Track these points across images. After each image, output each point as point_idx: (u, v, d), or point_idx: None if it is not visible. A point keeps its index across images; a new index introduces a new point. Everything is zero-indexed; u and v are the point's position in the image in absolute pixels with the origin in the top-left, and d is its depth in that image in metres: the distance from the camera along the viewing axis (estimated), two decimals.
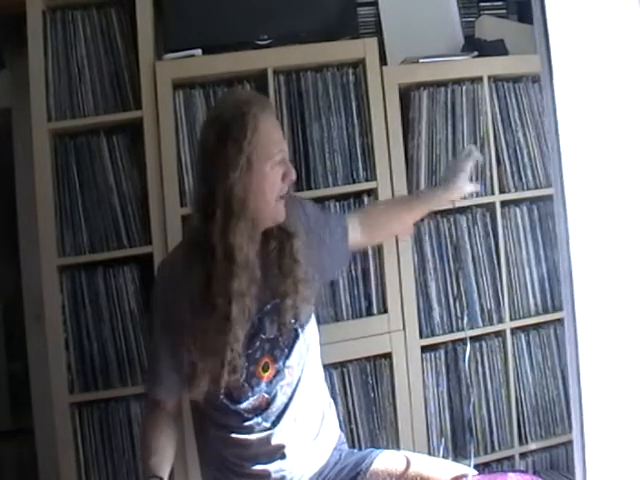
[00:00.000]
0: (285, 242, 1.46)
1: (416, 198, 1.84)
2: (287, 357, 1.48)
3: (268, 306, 1.46)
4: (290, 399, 1.48)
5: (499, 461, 2.05)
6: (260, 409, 1.46)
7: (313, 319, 1.56)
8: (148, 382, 1.54)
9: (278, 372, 1.47)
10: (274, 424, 1.46)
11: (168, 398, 1.49)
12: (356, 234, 1.62)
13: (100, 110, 1.93)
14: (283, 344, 1.47)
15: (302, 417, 1.49)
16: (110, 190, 1.91)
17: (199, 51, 1.92)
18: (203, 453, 1.57)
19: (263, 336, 1.46)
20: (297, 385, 1.49)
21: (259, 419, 1.46)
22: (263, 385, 1.46)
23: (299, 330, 1.50)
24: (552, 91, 0.92)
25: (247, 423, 1.45)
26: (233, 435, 1.45)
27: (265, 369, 1.46)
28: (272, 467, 1.45)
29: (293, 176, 1.44)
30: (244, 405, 1.45)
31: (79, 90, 1.92)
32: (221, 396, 1.43)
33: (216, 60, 1.93)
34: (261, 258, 1.42)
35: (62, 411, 1.84)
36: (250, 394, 1.45)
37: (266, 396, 1.46)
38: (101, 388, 1.88)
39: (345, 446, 1.63)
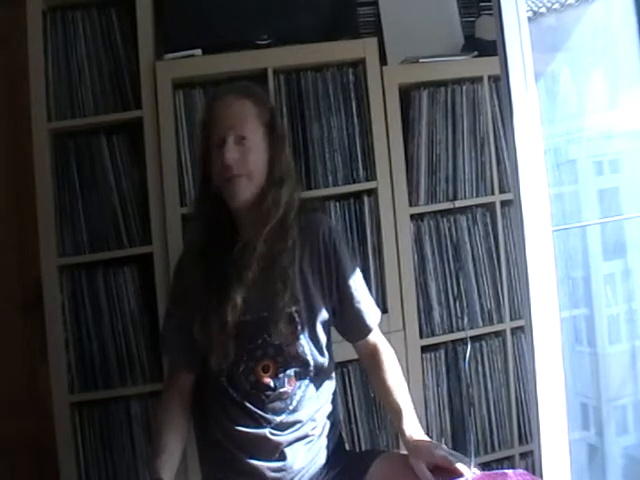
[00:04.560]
0: (284, 249, 1.47)
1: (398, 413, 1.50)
2: (289, 367, 1.48)
3: (270, 311, 1.46)
4: (288, 405, 1.48)
5: (499, 461, 2.05)
6: (258, 407, 1.46)
7: (320, 329, 1.54)
8: (163, 344, 1.60)
9: (277, 377, 1.47)
10: (272, 425, 1.46)
11: (183, 361, 1.52)
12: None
13: (100, 110, 1.93)
14: (288, 354, 1.48)
15: (301, 420, 1.49)
16: (110, 190, 1.91)
17: (199, 51, 1.92)
18: (204, 452, 1.57)
19: (268, 338, 1.47)
20: (296, 393, 1.49)
21: (258, 417, 1.46)
22: (261, 385, 1.46)
23: (306, 342, 1.50)
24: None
25: (247, 416, 1.46)
26: (236, 428, 1.46)
27: (265, 370, 1.47)
28: (271, 466, 1.45)
29: (225, 161, 1.43)
30: (243, 396, 1.46)
31: (79, 90, 1.92)
32: (222, 378, 1.47)
33: (216, 60, 1.93)
34: (267, 260, 1.47)
35: (62, 411, 1.84)
36: (248, 387, 1.46)
37: (263, 397, 1.47)
38: (101, 388, 1.88)
39: (345, 446, 1.63)
